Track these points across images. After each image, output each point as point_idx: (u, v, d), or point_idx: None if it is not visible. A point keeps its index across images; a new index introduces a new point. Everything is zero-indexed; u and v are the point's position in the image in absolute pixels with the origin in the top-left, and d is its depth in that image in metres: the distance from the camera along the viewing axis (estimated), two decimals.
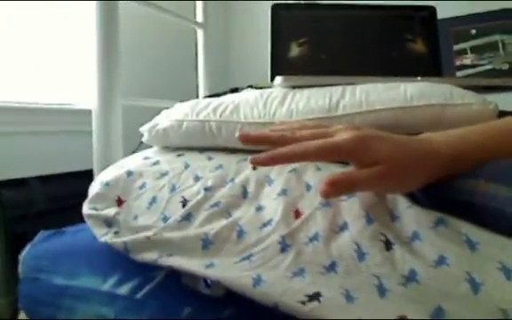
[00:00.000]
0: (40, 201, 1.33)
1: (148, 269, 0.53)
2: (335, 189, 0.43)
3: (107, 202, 0.64)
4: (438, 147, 0.48)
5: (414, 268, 0.43)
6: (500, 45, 1.58)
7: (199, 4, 1.63)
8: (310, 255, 0.47)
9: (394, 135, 0.48)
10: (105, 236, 0.55)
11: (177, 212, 0.58)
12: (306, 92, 0.76)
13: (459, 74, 1.63)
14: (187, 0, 1.70)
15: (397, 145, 0.47)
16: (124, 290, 0.53)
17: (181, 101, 0.86)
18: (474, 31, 1.62)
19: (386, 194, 0.52)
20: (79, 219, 0.65)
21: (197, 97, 1.60)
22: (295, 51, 1.08)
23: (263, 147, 0.48)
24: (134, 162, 0.74)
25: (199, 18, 1.62)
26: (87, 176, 1.09)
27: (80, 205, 0.65)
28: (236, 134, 0.47)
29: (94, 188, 0.68)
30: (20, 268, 0.66)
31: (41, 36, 1.37)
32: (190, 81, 1.64)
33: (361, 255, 0.46)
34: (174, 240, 0.52)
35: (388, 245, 0.46)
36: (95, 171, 1.15)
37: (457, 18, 1.61)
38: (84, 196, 0.69)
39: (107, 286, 0.55)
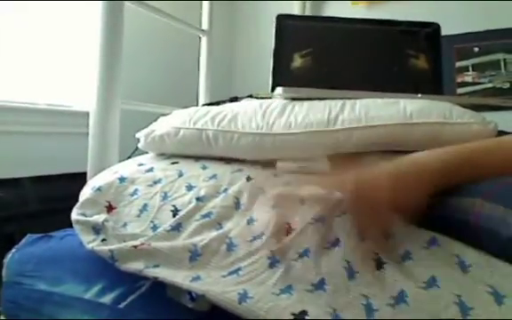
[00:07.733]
0: (32, 202, 1.31)
1: (133, 279, 0.52)
2: None
3: (97, 207, 0.63)
4: (425, 162, 0.49)
5: (404, 288, 0.41)
6: (502, 64, 1.57)
7: (205, 11, 1.62)
8: (299, 271, 0.46)
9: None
10: (92, 243, 0.54)
11: (167, 222, 0.57)
12: (306, 104, 0.76)
13: (459, 91, 1.62)
14: (193, 3, 1.69)
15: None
16: (107, 299, 0.52)
17: (182, 108, 0.85)
18: (477, 49, 1.62)
19: None
20: (70, 221, 0.63)
21: (197, 104, 1.59)
22: (297, 62, 1.07)
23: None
24: (128, 168, 0.73)
25: (204, 25, 1.62)
26: (81, 178, 1.08)
27: (72, 208, 0.64)
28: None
29: (85, 193, 0.67)
30: (4, 272, 0.64)
31: (40, 37, 1.36)
32: (192, 87, 1.63)
33: (351, 273, 0.45)
34: (162, 250, 0.51)
35: (379, 264, 0.45)
36: (89, 173, 1.14)
37: (460, 35, 1.60)
38: (77, 198, 0.68)
39: (90, 294, 0.54)
